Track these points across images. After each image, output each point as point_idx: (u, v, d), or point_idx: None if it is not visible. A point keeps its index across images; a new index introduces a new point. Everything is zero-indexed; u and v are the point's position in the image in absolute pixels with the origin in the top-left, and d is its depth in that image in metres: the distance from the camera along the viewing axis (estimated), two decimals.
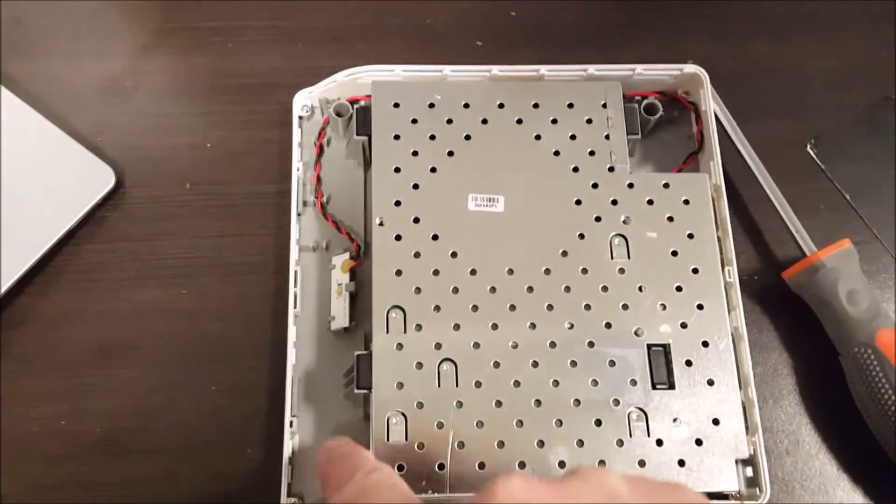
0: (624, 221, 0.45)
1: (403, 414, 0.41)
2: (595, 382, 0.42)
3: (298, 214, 0.46)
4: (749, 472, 0.42)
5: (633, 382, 0.42)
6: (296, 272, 0.45)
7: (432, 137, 0.46)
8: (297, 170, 0.47)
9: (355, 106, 0.47)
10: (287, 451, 0.42)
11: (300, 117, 0.48)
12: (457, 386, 0.41)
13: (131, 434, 0.44)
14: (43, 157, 0.47)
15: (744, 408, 0.42)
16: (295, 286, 0.45)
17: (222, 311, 0.46)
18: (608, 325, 0.43)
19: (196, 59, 0.52)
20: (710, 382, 0.42)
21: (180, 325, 0.46)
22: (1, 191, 0.46)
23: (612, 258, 0.44)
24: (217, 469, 0.44)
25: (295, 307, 0.44)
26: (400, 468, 0.40)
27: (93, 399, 0.44)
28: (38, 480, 0.43)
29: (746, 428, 0.42)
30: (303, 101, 0.48)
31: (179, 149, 0.49)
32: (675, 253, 0.44)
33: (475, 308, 0.43)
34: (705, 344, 0.43)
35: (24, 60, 0.50)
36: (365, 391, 0.42)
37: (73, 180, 0.47)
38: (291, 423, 0.42)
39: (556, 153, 0.46)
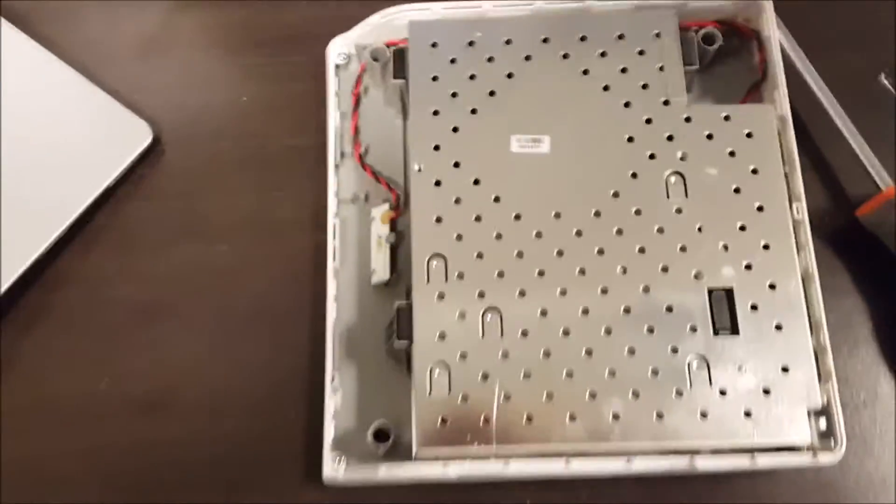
0: (681, 158, 0.42)
1: (446, 365, 0.39)
2: (651, 330, 0.39)
3: (336, 166, 0.45)
4: (823, 423, 0.39)
5: (693, 329, 0.39)
6: (334, 225, 0.43)
7: (472, 77, 0.43)
8: (334, 120, 0.45)
9: (392, 49, 0.45)
10: (329, 408, 0.40)
11: (336, 66, 0.46)
12: (501, 336, 0.39)
13: (173, 394, 0.43)
14: (79, 115, 0.47)
15: (816, 354, 0.39)
16: (334, 240, 0.43)
17: (262, 267, 0.45)
18: (665, 269, 0.40)
19: (229, 12, 0.50)
20: (779, 327, 0.39)
21: (220, 283, 0.45)
22: (39, 150, 0.45)
23: (668, 198, 0.41)
24: (260, 427, 0.42)
25: (334, 261, 0.43)
26: (443, 422, 0.38)
27: (134, 359, 0.44)
28: (78, 443, 0.42)
29: (819, 376, 0.39)
30: (338, 48, 0.46)
31: (216, 104, 0.48)
32: (737, 190, 0.41)
33: (520, 255, 0.40)
34: (772, 286, 0.40)
35: (59, 22, 0.50)
36: (406, 343, 0.40)
37: (111, 138, 0.46)
38: (333, 377, 0.41)
39: (606, 88, 0.43)
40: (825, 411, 0.39)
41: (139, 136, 0.46)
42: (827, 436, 0.38)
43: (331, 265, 0.43)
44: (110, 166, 0.46)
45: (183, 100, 0.48)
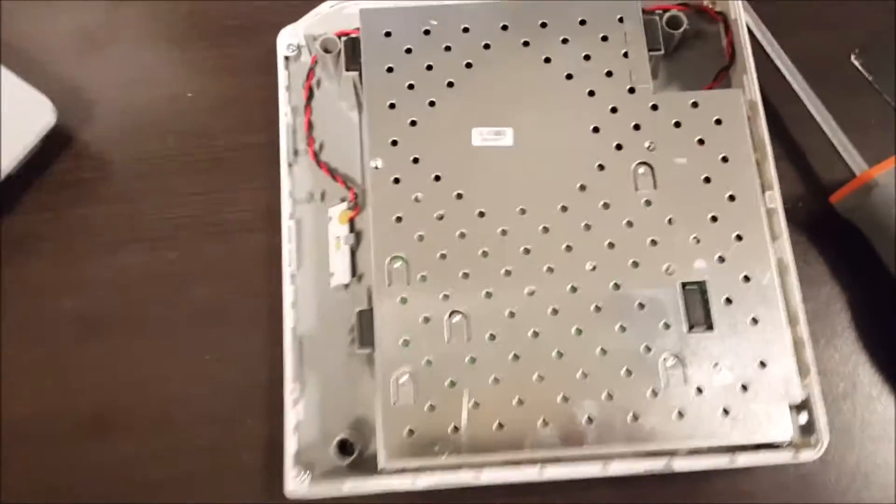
0: (648, 148, 0.40)
1: (411, 373, 0.37)
2: (623, 328, 0.37)
3: (290, 164, 0.42)
4: (803, 418, 0.37)
5: (667, 326, 0.37)
6: (290, 227, 0.41)
7: (429, 68, 0.41)
8: (286, 115, 0.43)
9: (343, 39, 0.42)
10: (290, 420, 0.38)
11: (286, 58, 0.44)
12: (468, 340, 0.37)
13: (122, 411, 0.41)
14: None
15: (794, 347, 0.38)
16: (289, 242, 0.41)
17: (213, 273, 0.43)
18: (635, 265, 0.38)
19: (173, 4, 0.48)
20: (754, 321, 0.37)
21: (168, 291, 0.42)
22: None
23: (636, 189, 0.39)
24: (218, 442, 0.40)
25: (290, 265, 0.41)
26: (410, 432, 0.36)
27: (80, 375, 0.41)
28: (23, 467, 0.40)
29: (798, 370, 0.37)
30: (287, 39, 0.44)
31: (159, 100, 0.46)
32: (707, 179, 0.39)
33: (485, 254, 0.38)
34: (747, 279, 0.38)
35: None
36: (368, 350, 0.38)
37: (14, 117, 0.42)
38: (293, 389, 0.39)
39: (569, 76, 0.41)
40: (806, 406, 0.37)
41: (42, 114, 0.43)
42: (808, 431, 0.37)
43: (286, 269, 0.40)
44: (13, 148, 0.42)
45: (124, 96, 0.46)
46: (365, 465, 0.38)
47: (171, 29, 0.48)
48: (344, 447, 0.38)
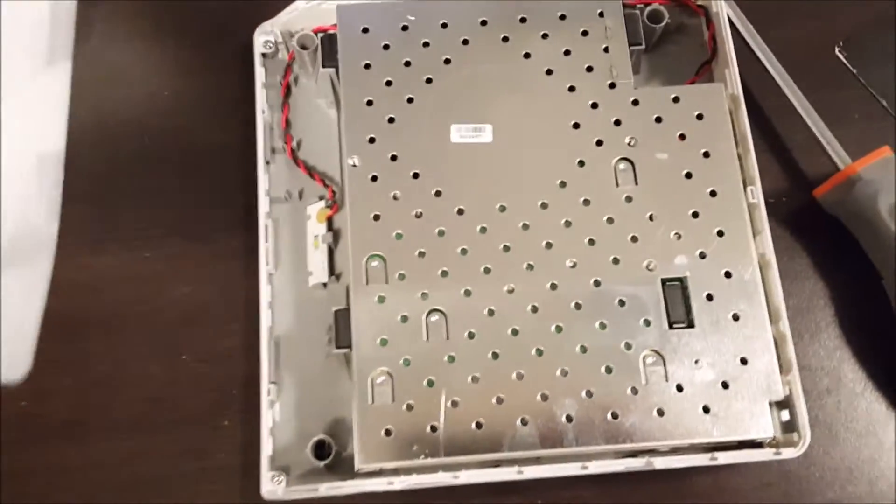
0: (629, 144, 0.40)
1: (389, 373, 0.36)
2: (603, 325, 0.37)
3: (267, 162, 0.42)
4: (785, 415, 0.37)
5: (647, 323, 0.37)
6: (267, 226, 0.41)
7: (407, 64, 0.41)
8: (263, 113, 0.42)
9: (320, 36, 0.42)
10: (267, 421, 0.38)
11: (263, 55, 0.43)
12: (447, 339, 0.37)
13: (99, 412, 0.40)
14: None
15: (776, 344, 0.37)
16: (266, 241, 0.40)
17: (190, 273, 0.42)
18: (616, 261, 0.38)
19: (147, 2, 0.47)
20: (736, 317, 0.37)
21: (145, 291, 0.42)
22: None
23: (617, 186, 0.39)
24: (193, 444, 0.40)
25: (268, 264, 0.40)
26: (387, 432, 0.36)
27: (56, 377, 0.41)
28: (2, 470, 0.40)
29: (780, 366, 0.37)
30: (264, 36, 0.43)
31: (135, 100, 0.45)
32: (689, 175, 0.39)
33: (464, 252, 0.38)
34: (728, 275, 0.38)
35: None
36: (346, 350, 0.37)
37: None
38: (269, 390, 0.38)
39: (549, 72, 0.41)
40: (787, 403, 0.37)
41: None
42: (790, 428, 0.37)
43: (263, 269, 0.40)
44: None
45: (99, 95, 0.45)
46: (343, 465, 0.38)
47: (146, 27, 0.47)
48: (321, 448, 0.37)
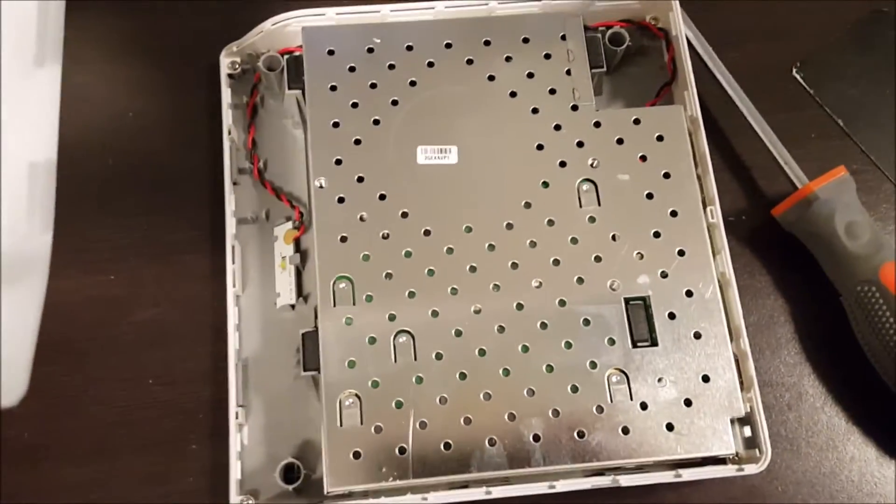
0: (592, 165, 0.40)
1: (357, 395, 0.36)
2: (569, 345, 0.37)
3: (234, 183, 0.42)
4: (747, 431, 0.38)
5: (611, 342, 0.38)
6: (234, 247, 0.41)
7: (373, 86, 0.41)
8: (229, 133, 0.42)
9: (286, 57, 0.42)
10: (235, 445, 0.38)
11: (229, 76, 0.43)
12: (415, 360, 0.37)
13: (63, 436, 0.40)
14: None
15: (736, 361, 0.38)
16: (233, 263, 0.40)
17: (156, 295, 0.42)
18: (580, 281, 0.38)
19: (112, 22, 0.47)
20: (697, 336, 0.38)
21: (110, 314, 0.42)
22: None
23: (580, 206, 0.40)
24: (160, 468, 0.40)
25: (235, 286, 0.40)
26: (356, 455, 0.36)
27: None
28: None
29: (741, 383, 0.38)
30: (230, 57, 0.43)
31: (99, 120, 0.45)
32: (650, 196, 0.40)
33: (431, 273, 0.38)
34: (689, 293, 0.38)
35: None
36: (314, 373, 0.37)
37: None
38: (237, 413, 0.38)
39: (513, 94, 0.41)
40: (749, 419, 0.38)
41: None
42: (752, 445, 0.37)
43: (231, 291, 0.40)
44: None
45: (63, 118, 0.45)
46: (312, 489, 0.38)
47: (111, 47, 0.47)
48: (290, 472, 0.37)
